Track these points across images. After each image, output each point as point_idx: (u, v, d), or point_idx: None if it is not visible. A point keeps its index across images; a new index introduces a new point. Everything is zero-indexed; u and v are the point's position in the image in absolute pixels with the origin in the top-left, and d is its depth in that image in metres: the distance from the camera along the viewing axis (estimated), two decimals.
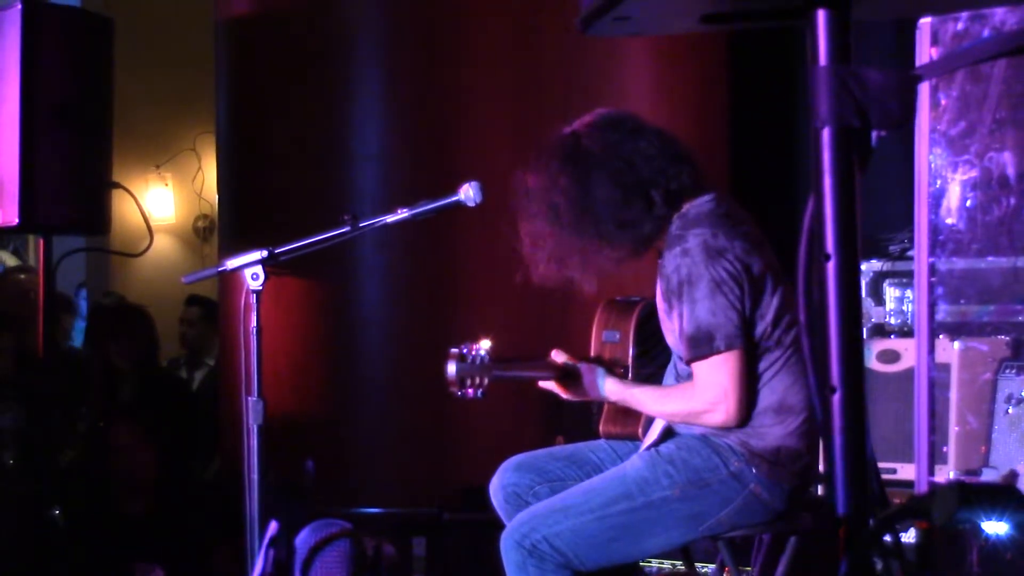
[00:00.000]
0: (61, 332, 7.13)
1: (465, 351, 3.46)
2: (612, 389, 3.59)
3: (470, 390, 3.45)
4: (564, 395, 3.65)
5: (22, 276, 7.11)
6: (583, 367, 3.60)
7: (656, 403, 3.58)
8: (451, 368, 3.44)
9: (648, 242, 3.56)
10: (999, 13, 4.28)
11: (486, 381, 3.45)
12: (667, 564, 4.34)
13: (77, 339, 8.19)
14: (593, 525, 3.48)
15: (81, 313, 9.50)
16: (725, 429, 3.48)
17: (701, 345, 3.42)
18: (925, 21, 4.56)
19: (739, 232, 3.48)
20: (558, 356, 3.63)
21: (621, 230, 3.52)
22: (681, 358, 3.54)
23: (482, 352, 3.45)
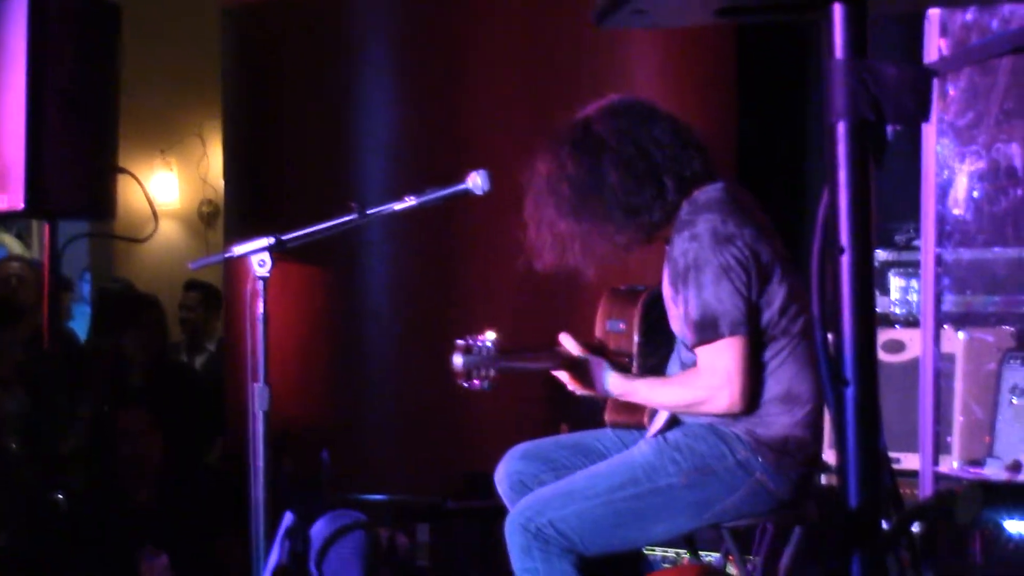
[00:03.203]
0: (63, 314, 7.13)
1: (471, 342, 3.44)
2: (615, 383, 3.57)
3: (477, 381, 3.44)
4: (573, 386, 3.64)
5: (15, 264, 7.08)
6: (592, 361, 3.58)
7: (659, 393, 3.56)
8: (457, 360, 3.43)
9: (657, 228, 3.55)
10: (1007, 4, 4.28)
11: (493, 372, 3.44)
12: (671, 552, 4.34)
13: (76, 321, 8.20)
14: (599, 510, 3.48)
15: (84, 297, 9.51)
16: (731, 417, 3.48)
17: (706, 330, 3.41)
18: (934, 12, 4.55)
19: (749, 219, 3.47)
20: (566, 340, 3.62)
21: (630, 216, 3.52)
22: (686, 344, 3.54)
23: (487, 343, 3.44)
